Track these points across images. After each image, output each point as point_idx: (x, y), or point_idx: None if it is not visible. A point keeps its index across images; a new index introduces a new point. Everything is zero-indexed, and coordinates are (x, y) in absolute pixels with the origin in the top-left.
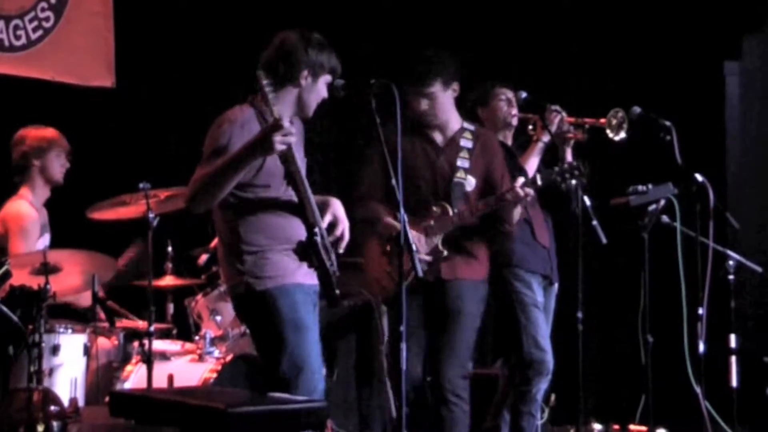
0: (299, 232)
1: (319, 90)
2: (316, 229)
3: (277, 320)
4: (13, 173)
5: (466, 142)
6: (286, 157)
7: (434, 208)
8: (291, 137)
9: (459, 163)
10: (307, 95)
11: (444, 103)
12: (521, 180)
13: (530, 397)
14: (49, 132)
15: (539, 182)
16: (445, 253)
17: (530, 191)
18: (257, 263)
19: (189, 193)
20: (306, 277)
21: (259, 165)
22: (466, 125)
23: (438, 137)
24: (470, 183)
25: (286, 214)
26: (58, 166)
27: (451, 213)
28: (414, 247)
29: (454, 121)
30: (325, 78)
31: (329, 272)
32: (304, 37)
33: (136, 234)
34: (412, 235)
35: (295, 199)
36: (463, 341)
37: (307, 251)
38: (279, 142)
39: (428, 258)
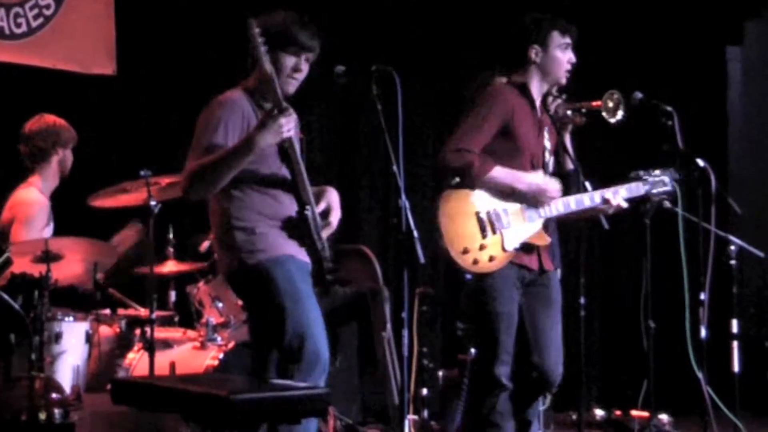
0: (291, 209)
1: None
2: (308, 207)
3: (273, 291)
4: (28, 157)
5: (546, 118)
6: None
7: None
8: (292, 122)
9: (545, 141)
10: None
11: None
12: (618, 190)
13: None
14: (62, 123)
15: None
16: (549, 240)
17: (624, 204)
18: (248, 239)
19: (187, 183)
20: (298, 252)
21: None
22: None
23: (538, 108)
24: (551, 165)
25: (279, 191)
26: (70, 159)
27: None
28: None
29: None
30: (297, 54)
31: (320, 254)
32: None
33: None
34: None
35: (288, 176)
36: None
37: (297, 227)
38: (285, 123)
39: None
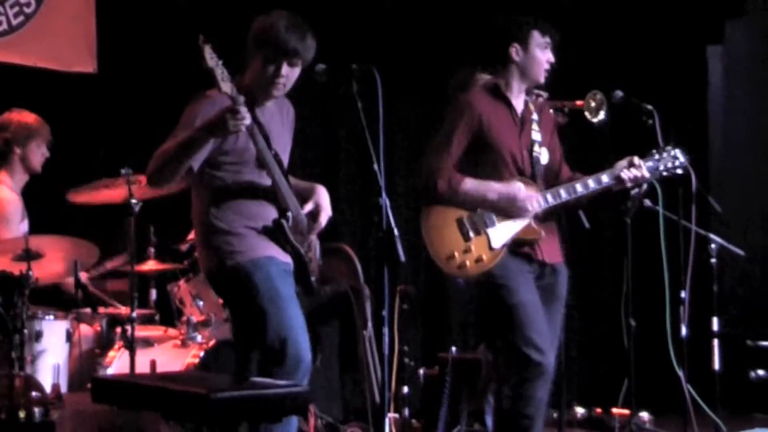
0: (271, 215)
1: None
2: (288, 214)
3: (253, 293)
4: None
5: (534, 114)
6: (253, 138)
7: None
8: (245, 119)
9: (534, 135)
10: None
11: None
12: (638, 159)
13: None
14: (33, 120)
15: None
16: (543, 233)
17: (647, 174)
18: (227, 239)
19: (148, 169)
20: (279, 252)
21: (231, 144)
22: (527, 97)
23: (517, 106)
24: (546, 157)
25: (259, 196)
26: (39, 155)
27: (537, 190)
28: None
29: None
30: (279, 60)
31: (304, 258)
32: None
33: (118, 222)
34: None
35: (269, 182)
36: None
37: (275, 235)
38: (232, 126)
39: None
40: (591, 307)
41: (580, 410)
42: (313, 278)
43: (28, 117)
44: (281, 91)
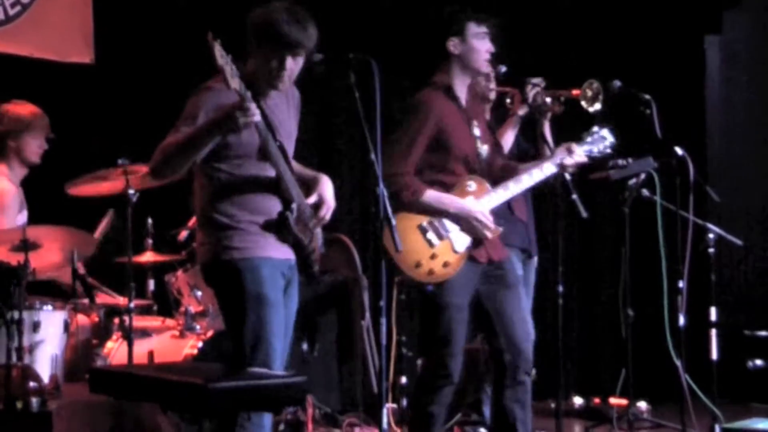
0: (275, 206)
1: (270, 63)
2: (293, 206)
3: (239, 292)
4: None
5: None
6: (259, 132)
7: (470, 182)
8: (254, 115)
9: (475, 132)
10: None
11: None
12: (574, 145)
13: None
14: (29, 111)
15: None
16: (501, 229)
17: (585, 159)
18: (226, 233)
19: (152, 162)
20: (278, 251)
21: (236, 137)
22: None
23: (464, 104)
24: (486, 152)
25: (262, 188)
26: (35, 147)
27: (488, 187)
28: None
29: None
30: (283, 53)
31: (307, 249)
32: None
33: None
34: (479, 206)
35: (273, 173)
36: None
37: (278, 228)
38: (242, 123)
39: (492, 234)
40: (589, 297)
41: (578, 400)
42: (315, 268)
43: (23, 109)
44: (286, 83)
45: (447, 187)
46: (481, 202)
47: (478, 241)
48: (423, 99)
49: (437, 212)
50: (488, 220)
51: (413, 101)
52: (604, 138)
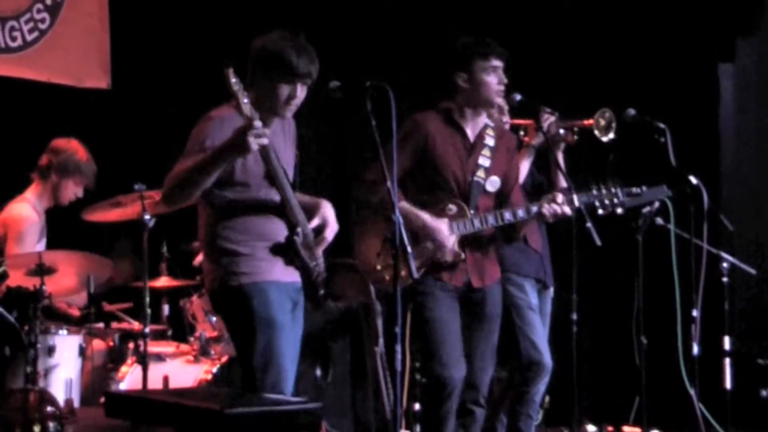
0: (280, 231)
1: (280, 93)
2: (298, 229)
3: (249, 317)
4: (33, 167)
5: (489, 140)
6: (266, 156)
7: (450, 206)
8: (264, 137)
9: (480, 161)
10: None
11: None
12: (561, 197)
13: (528, 399)
14: (86, 159)
15: (576, 203)
16: (463, 255)
17: (568, 211)
18: (233, 260)
19: (164, 189)
20: (285, 274)
21: (240, 163)
22: (488, 122)
23: (470, 132)
24: (493, 183)
25: (268, 213)
26: (71, 193)
27: (469, 214)
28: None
29: (484, 115)
30: (293, 82)
31: (312, 273)
32: (282, 39)
33: (128, 236)
34: (443, 226)
35: (277, 198)
36: (495, 345)
37: (286, 252)
38: (253, 143)
39: (450, 257)
40: (602, 325)
41: (591, 428)
42: (321, 292)
43: (83, 154)
44: (293, 112)
45: (425, 207)
46: (454, 226)
47: (439, 264)
48: (415, 117)
49: (405, 223)
50: (447, 242)
51: (407, 119)
52: (615, 195)
